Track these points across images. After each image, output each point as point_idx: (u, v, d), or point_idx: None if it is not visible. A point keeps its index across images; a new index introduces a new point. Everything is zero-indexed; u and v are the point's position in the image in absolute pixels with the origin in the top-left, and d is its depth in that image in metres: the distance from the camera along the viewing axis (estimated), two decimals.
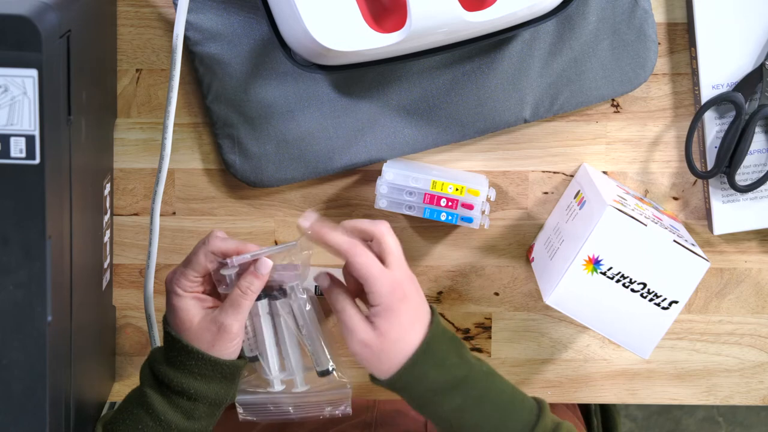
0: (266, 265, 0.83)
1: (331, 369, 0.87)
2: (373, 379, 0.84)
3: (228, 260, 0.84)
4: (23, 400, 0.76)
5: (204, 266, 0.84)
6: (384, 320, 0.81)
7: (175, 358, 0.83)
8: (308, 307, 0.86)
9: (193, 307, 0.83)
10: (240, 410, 0.88)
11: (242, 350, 0.87)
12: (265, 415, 0.88)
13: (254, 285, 0.83)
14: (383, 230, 0.83)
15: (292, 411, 0.89)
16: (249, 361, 0.87)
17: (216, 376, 0.83)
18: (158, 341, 0.97)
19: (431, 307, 0.85)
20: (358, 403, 1.03)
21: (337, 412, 0.88)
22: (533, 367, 1.03)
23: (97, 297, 0.94)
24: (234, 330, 0.83)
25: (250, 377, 0.88)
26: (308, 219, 0.84)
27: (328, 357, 0.87)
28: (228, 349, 0.83)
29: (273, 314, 0.87)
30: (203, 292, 0.85)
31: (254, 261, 0.84)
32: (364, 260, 0.81)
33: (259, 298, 0.86)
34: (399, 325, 0.82)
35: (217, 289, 0.86)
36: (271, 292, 0.86)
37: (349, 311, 0.82)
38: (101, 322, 0.97)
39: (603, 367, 1.03)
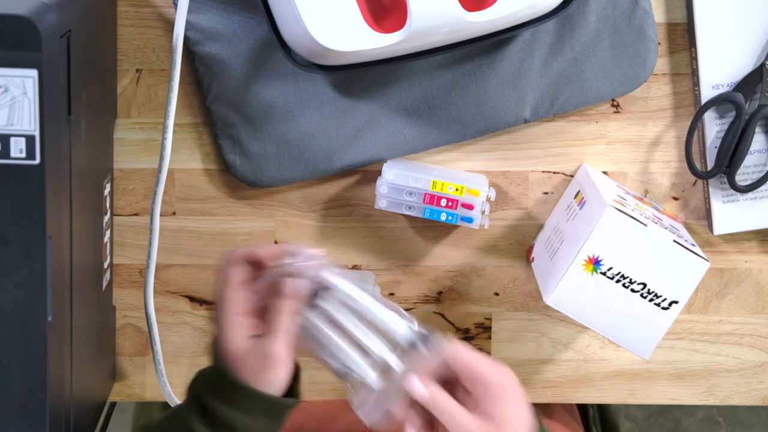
0: (298, 286, 0.79)
1: (413, 329, 0.81)
2: None
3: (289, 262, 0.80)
4: (23, 400, 0.76)
5: (242, 271, 0.81)
6: (500, 403, 0.76)
7: (221, 388, 0.79)
8: (350, 286, 0.81)
9: (238, 335, 0.79)
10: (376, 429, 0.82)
11: (295, 387, 0.82)
12: (390, 417, 0.82)
13: (294, 307, 0.79)
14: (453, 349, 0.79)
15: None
16: (342, 376, 0.81)
17: (263, 412, 0.79)
18: (158, 342, 0.97)
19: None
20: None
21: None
22: (533, 367, 1.03)
23: (97, 297, 0.94)
24: (279, 357, 0.78)
25: (365, 396, 0.82)
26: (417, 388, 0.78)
27: (402, 318, 0.81)
28: (273, 379, 0.79)
29: (328, 320, 0.81)
30: (251, 316, 0.81)
31: (283, 281, 0.80)
32: (463, 352, 0.77)
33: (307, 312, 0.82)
34: (516, 408, 0.76)
35: (264, 317, 0.81)
36: (311, 300, 0.82)
37: (455, 412, 0.76)
38: (101, 322, 0.97)
39: (603, 367, 1.03)
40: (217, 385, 0.80)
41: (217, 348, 0.81)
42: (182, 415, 0.81)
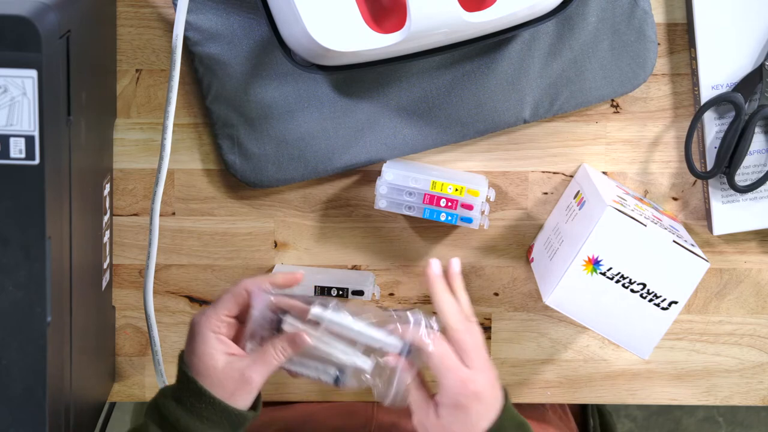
0: (303, 341, 0.83)
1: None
2: None
3: (266, 292, 0.84)
4: (23, 400, 0.76)
5: (233, 305, 0.84)
6: (449, 414, 0.82)
7: (185, 399, 0.83)
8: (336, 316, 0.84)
9: (218, 351, 0.83)
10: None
11: (258, 401, 0.86)
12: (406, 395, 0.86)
13: (287, 351, 0.83)
14: (458, 328, 0.83)
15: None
16: (336, 384, 0.85)
17: (223, 422, 0.83)
18: (157, 342, 0.97)
19: (505, 392, 0.85)
20: (355, 415, 1.03)
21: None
22: (533, 367, 1.03)
23: (97, 297, 0.94)
24: (257, 384, 0.83)
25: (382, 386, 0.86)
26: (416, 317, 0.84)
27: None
28: (245, 400, 0.84)
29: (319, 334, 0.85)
30: (228, 337, 0.85)
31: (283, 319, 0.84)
32: (439, 351, 0.81)
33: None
34: (464, 422, 0.81)
35: (240, 336, 0.85)
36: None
37: (414, 393, 0.83)
38: (101, 322, 0.97)
39: (603, 367, 1.03)
40: (184, 396, 0.83)
41: (189, 360, 0.84)
42: (140, 430, 0.85)
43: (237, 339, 0.86)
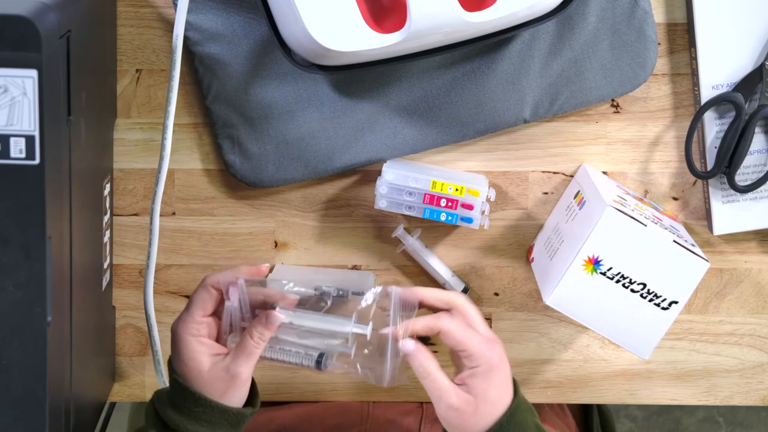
0: (276, 319, 0.83)
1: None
2: None
3: (226, 289, 0.84)
4: (23, 400, 0.76)
5: (207, 303, 0.84)
6: (483, 380, 0.81)
7: (181, 404, 0.83)
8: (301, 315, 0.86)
9: (201, 354, 0.83)
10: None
11: (255, 396, 0.87)
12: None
13: (264, 335, 0.83)
14: (463, 300, 0.84)
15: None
16: (319, 366, 0.85)
17: (223, 423, 0.83)
18: (158, 342, 0.97)
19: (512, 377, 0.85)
20: (351, 413, 1.03)
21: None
22: (533, 367, 1.03)
23: (97, 297, 0.94)
24: (245, 377, 0.83)
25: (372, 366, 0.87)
26: (408, 346, 0.83)
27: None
28: (237, 396, 0.84)
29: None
30: (209, 337, 0.85)
31: (264, 307, 0.84)
32: (455, 326, 0.81)
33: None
34: (497, 385, 0.81)
35: (219, 338, 0.86)
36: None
37: (436, 375, 0.82)
38: (101, 322, 0.97)
39: (603, 367, 1.03)
40: (180, 401, 0.83)
41: (177, 367, 0.84)
42: None
43: (219, 337, 0.86)
